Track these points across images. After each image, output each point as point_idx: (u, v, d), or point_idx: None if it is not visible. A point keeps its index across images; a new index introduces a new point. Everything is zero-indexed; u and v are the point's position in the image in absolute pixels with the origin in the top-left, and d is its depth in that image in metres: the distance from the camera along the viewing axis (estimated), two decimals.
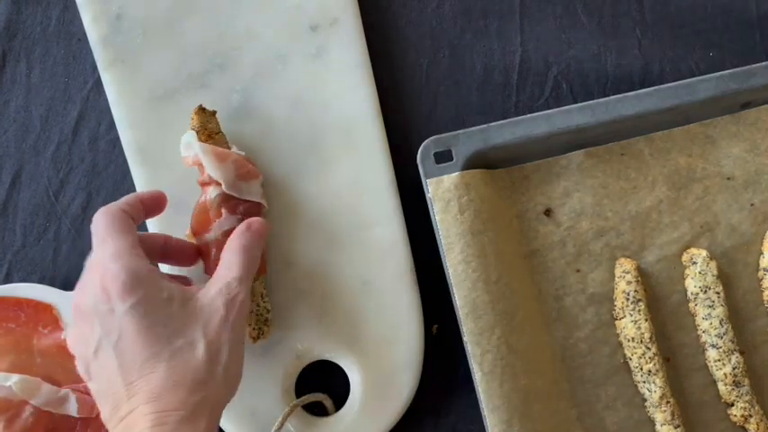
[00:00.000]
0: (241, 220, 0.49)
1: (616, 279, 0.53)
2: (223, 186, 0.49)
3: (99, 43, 0.53)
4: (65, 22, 0.56)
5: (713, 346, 0.53)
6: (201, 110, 0.51)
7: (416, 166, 0.52)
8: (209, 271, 0.50)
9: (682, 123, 0.55)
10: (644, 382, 0.52)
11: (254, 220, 0.49)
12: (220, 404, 0.44)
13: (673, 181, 0.55)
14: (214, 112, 0.51)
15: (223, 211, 0.50)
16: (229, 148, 0.51)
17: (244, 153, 0.51)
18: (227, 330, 0.43)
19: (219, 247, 0.49)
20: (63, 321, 0.52)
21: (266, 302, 0.51)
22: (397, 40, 0.57)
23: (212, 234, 0.50)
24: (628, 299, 0.52)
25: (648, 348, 0.51)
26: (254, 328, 0.51)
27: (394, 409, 0.53)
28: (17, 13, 0.56)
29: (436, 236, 0.51)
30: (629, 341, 0.52)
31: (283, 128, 0.54)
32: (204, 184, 0.51)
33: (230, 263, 0.46)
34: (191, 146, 0.50)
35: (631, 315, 0.52)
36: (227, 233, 0.49)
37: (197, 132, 0.50)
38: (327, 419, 0.53)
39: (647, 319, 0.52)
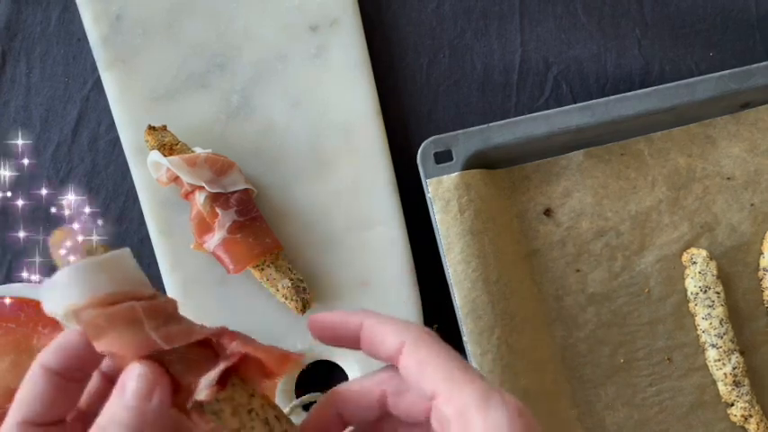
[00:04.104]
0: (239, 212, 0.50)
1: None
2: (206, 188, 0.50)
3: (99, 43, 0.53)
4: (65, 22, 0.56)
5: (713, 345, 0.53)
6: (152, 128, 0.51)
7: (416, 166, 0.52)
8: (231, 271, 0.50)
9: (681, 123, 0.55)
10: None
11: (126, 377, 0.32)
12: None
13: (672, 181, 0.55)
14: (164, 126, 0.51)
15: (217, 210, 0.50)
16: (193, 152, 0.51)
17: (210, 150, 0.51)
18: None
19: (227, 246, 0.49)
20: (62, 322, 0.52)
21: (296, 273, 0.51)
22: (397, 40, 0.57)
23: (217, 235, 0.50)
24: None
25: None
26: (297, 302, 0.51)
27: None
28: (17, 12, 0.56)
29: (436, 236, 0.51)
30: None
31: (283, 128, 0.54)
32: (188, 195, 0.51)
33: None
34: (160, 165, 0.50)
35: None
36: (231, 229, 0.50)
37: (159, 150, 0.50)
38: None
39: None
